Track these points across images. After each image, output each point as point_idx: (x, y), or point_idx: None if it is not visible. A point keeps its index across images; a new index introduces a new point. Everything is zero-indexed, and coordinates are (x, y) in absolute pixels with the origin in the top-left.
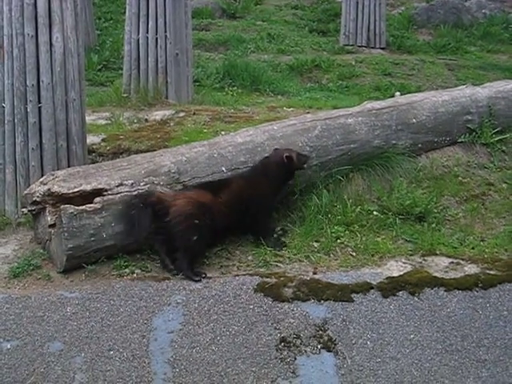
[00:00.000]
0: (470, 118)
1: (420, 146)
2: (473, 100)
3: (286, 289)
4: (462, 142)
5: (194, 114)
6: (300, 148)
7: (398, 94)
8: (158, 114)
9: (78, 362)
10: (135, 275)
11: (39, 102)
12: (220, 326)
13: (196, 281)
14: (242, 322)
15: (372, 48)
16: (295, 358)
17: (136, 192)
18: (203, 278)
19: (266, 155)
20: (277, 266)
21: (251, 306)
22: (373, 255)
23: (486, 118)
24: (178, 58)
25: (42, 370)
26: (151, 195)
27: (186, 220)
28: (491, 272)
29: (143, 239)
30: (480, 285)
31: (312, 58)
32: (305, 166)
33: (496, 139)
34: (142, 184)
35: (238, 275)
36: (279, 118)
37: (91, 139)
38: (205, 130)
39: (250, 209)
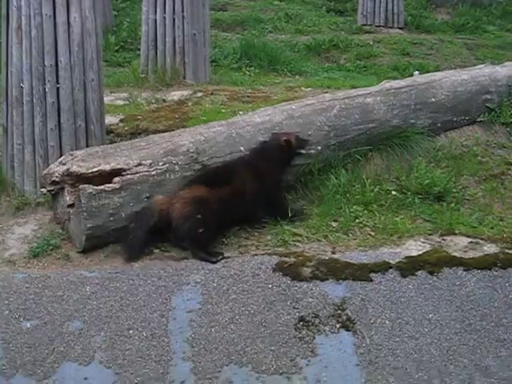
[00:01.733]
0: (489, 97)
1: (439, 125)
2: (492, 79)
3: (305, 268)
4: (481, 121)
5: (212, 94)
6: (318, 127)
7: (416, 73)
8: (175, 95)
9: (98, 340)
10: (154, 255)
11: (57, 82)
12: (239, 305)
13: (213, 262)
14: (260, 301)
15: (390, 28)
16: (314, 338)
17: (154, 172)
18: (220, 259)
19: (264, 140)
20: (295, 245)
21: (270, 286)
22: (391, 235)
23: (505, 97)
24: (195, 38)
25: (62, 348)
26: (152, 210)
27: (188, 219)
28: (510, 251)
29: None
30: (499, 264)
31: (330, 37)
32: (303, 150)
33: None
34: (160, 164)
35: (256, 255)
36: (297, 97)
37: (109, 120)
38: (223, 110)
39: (259, 194)
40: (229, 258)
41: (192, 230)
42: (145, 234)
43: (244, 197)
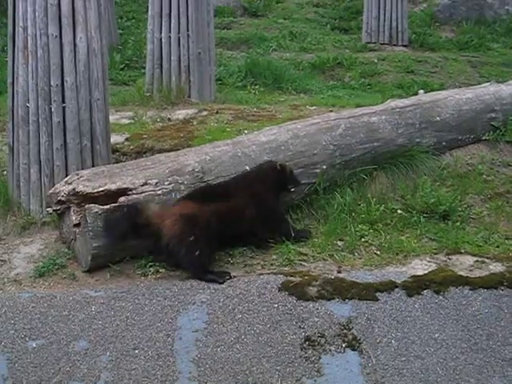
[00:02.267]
0: (494, 115)
1: (444, 143)
2: (497, 97)
3: (311, 288)
4: (486, 139)
5: (217, 112)
6: (323, 146)
7: (421, 91)
8: (180, 113)
9: (104, 360)
10: (160, 274)
11: (63, 101)
12: (244, 324)
13: (220, 282)
14: (266, 320)
15: (394, 45)
16: (320, 357)
17: (160, 191)
18: (227, 279)
19: (256, 165)
20: (301, 264)
21: (275, 305)
22: (397, 254)
23: (510, 115)
24: (200, 56)
25: (68, 368)
26: (136, 208)
27: (182, 241)
28: None
29: (116, 242)
30: (505, 283)
31: (334, 55)
32: (292, 187)
33: None
34: (166, 183)
35: (262, 274)
36: (302, 116)
37: (115, 138)
38: (228, 129)
39: (260, 214)
40: (234, 277)
41: (189, 254)
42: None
43: (239, 214)
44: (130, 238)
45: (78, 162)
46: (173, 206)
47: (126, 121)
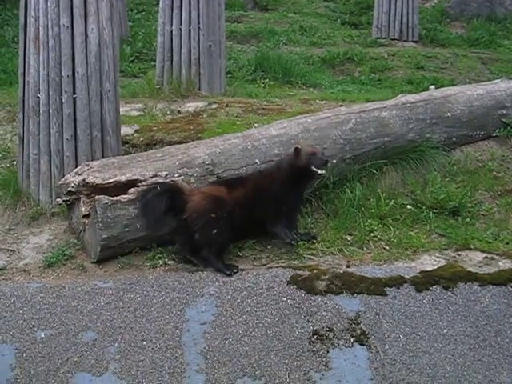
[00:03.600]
0: (504, 112)
1: (454, 139)
2: (508, 94)
3: (319, 282)
4: (496, 136)
5: (227, 105)
6: (334, 141)
7: (432, 87)
8: (190, 106)
9: (112, 351)
10: (168, 266)
11: (74, 92)
12: (253, 317)
13: (228, 274)
14: (274, 314)
15: (405, 41)
16: (328, 351)
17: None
18: (235, 272)
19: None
20: (310, 258)
21: (284, 299)
22: (406, 249)
23: None
24: (210, 49)
25: (76, 359)
26: (174, 186)
27: (203, 215)
28: None
29: (154, 226)
30: None
31: (344, 50)
32: (318, 169)
33: None
34: (176, 175)
35: (271, 267)
36: (312, 110)
37: (124, 130)
38: (238, 122)
39: (262, 201)
40: (243, 270)
41: (205, 230)
42: (161, 204)
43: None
44: (167, 219)
45: (87, 153)
46: (202, 187)
47: (136, 113)
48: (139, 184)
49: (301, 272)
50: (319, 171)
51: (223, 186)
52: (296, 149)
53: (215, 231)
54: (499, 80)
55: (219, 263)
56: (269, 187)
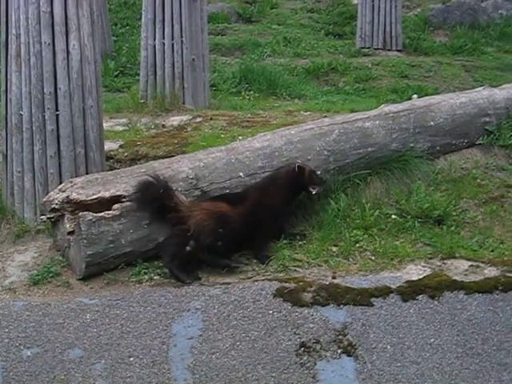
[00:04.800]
0: (487, 119)
1: (438, 148)
2: (490, 102)
3: (306, 293)
4: (480, 144)
5: (211, 119)
6: (317, 152)
7: (415, 96)
8: (175, 120)
9: (99, 368)
10: (154, 281)
11: (57, 109)
12: (239, 331)
13: (236, 267)
14: (261, 327)
15: (388, 50)
16: (315, 363)
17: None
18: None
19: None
20: (295, 270)
21: (270, 311)
22: (392, 259)
23: (504, 119)
24: (194, 63)
25: (63, 377)
26: (170, 192)
27: (211, 235)
28: (511, 274)
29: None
30: (500, 287)
31: (328, 61)
32: (315, 188)
33: None
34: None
35: (256, 280)
36: (296, 122)
37: (109, 145)
38: (222, 135)
39: (263, 218)
40: (229, 284)
41: (213, 250)
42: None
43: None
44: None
45: (71, 169)
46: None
47: (121, 128)
48: (123, 200)
49: (287, 284)
50: (313, 191)
51: (224, 202)
52: (300, 167)
53: (220, 250)
54: (482, 88)
55: (223, 260)
56: (269, 203)
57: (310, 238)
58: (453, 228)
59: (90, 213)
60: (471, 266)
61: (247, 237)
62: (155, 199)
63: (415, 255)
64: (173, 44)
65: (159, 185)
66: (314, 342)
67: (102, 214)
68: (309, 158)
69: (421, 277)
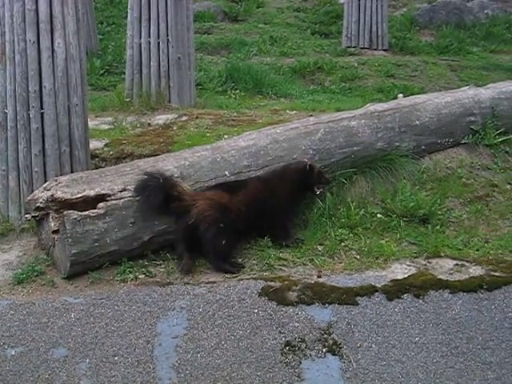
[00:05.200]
0: (473, 119)
1: (423, 147)
2: (476, 101)
3: (291, 292)
4: (465, 143)
5: (197, 117)
6: (303, 151)
7: (400, 95)
8: (160, 119)
9: (83, 367)
10: (139, 280)
11: (42, 107)
12: (225, 330)
13: (234, 272)
14: (246, 326)
15: (374, 50)
16: (300, 362)
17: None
18: (241, 268)
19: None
20: (281, 269)
21: (256, 310)
22: (377, 258)
23: (489, 119)
24: (180, 61)
25: (47, 376)
26: (172, 181)
27: (213, 225)
28: (496, 274)
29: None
30: (485, 286)
31: (314, 60)
32: (320, 188)
33: (499, 140)
34: None
35: (242, 279)
36: (282, 121)
37: (94, 144)
38: (208, 134)
39: (267, 211)
40: (214, 282)
41: (215, 240)
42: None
43: (259, 213)
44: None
45: (56, 168)
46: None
47: (106, 126)
48: (108, 198)
49: (272, 283)
50: (318, 191)
51: (226, 192)
52: (310, 166)
53: (224, 241)
54: (467, 87)
55: (226, 265)
56: (276, 196)
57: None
58: (438, 227)
59: (75, 211)
60: (456, 264)
61: (251, 226)
62: (157, 189)
63: (400, 254)
64: (159, 42)
65: (158, 175)
66: (299, 341)
67: (87, 212)
68: (294, 156)
69: (406, 276)
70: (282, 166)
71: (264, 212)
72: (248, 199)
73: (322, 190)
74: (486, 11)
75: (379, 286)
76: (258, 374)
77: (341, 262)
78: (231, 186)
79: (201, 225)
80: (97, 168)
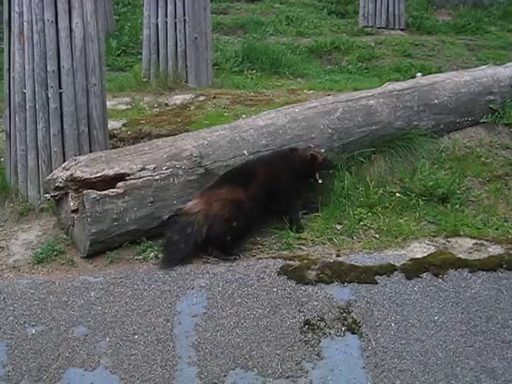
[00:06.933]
0: (492, 97)
1: (442, 126)
2: (495, 80)
3: (310, 271)
4: (484, 122)
5: (214, 97)
6: (321, 130)
7: (419, 74)
8: (178, 99)
9: (103, 346)
10: (158, 259)
11: (60, 87)
12: (244, 309)
13: (229, 260)
14: (265, 305)
15: (391, 29)
16: (319, 341)
17: (158, 176)
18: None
19: (295, 147)
20: (300, 248)
21: (275, 289)
22: (396, 237)
23: (508, 97)
24: (197, 41)
25: (67, 354)
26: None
27: (222, 223)
28: None
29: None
30: (504, 265)
31: (331, 40)
32: (324, 174)
33: None
34: (164, 168)
35: (261, 258)
36: (299, 100)
37: (112, 124)
38: (225, 114)
39: (274, 195)
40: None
41: (221, 237)
42: (188, 249)
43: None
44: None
45: (75, 147)
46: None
47: (123, 106)
48: (127, 178)
49: (291, 262)
50: (320, 180)
51: (239, 186)
52: (312, 155)
53: (229, 238)
54: (486, 66)
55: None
56: (282, 181)
57: (315, 216)
58: (457, 206)
59: (94, 191)
60: (475, 244)
61: (262, 214)
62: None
63: (419, 233)
64: (175, 22)
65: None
66: (318, 320)
67: (106, 192)
68: (313, 136)
69: (425, 255)
70: (289, 150)
71: (271, 200)
72: (258, 190)
73: (323, 176)
74: None
75: (398, 265)
76: (278, 352)
77: (360, 241)
78: (241, 175)
79: (211, 223)
80: (114, 148)
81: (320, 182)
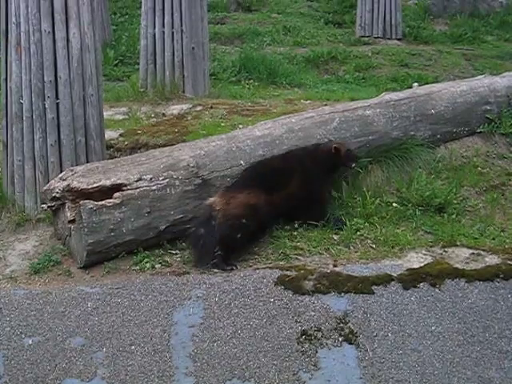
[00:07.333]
0: (488, 107)
1: (439, 136)
2: (491, 90)
3: (307, 281)
4: (480, 132)
5: (211, 107)
6: (318, 140)
7: (415, 84)
8: (175, 109)
9: (100, 357)
10: (155, 270)
11: (57, 97)
12: (241, 319)
13: (226, 270)
14: (262, 315)
15: (388, 39)
16: (316, 351)
17: (155, 186)
18: (233, 269)
19: (318, 143)
20: (297, 258)
21: (272, 299)
22: (393, 247)
23: (504, 107)
24: (194, 51)
25: (64, 365)
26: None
27: (232, 220)
28: None
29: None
30: (501, 275)
31: (328, 49)
32: (352, 164)
33: None
34: (160, 179)
35: (257, 268)
36: (297, 110)
37: (109, 134)
38: (222, 124)
39: (302, 194)
40: (230, 271)
41: (230, 232)
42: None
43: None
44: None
45: (72, 158)
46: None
47: (121, 116)
48: (124, 188)
49: (288, 272)
50: (353, 165)
51: (262, 190)
52: (336, 148)
53: (239, 235)
54: (482, 76)
55: (223, 263)
56: (309, 182)
57: (311, 226)
58: (454, 216)
59: (91, 201)
60: (472, 253)
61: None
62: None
63: (416, 243)
64: (173, 32)
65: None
66: (315, 330)
67: (103, 202)
68: None
69: (422, 265)
70: (314, 146)
71: (297, 200)
72: (283, 196)
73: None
74: (500, 0)
75: (395, 274)
76: (275, 362)
77: (356, 251)
78: (266, 181)
79: (221, 220)
80: (112, 158)
81: (353, 166)
